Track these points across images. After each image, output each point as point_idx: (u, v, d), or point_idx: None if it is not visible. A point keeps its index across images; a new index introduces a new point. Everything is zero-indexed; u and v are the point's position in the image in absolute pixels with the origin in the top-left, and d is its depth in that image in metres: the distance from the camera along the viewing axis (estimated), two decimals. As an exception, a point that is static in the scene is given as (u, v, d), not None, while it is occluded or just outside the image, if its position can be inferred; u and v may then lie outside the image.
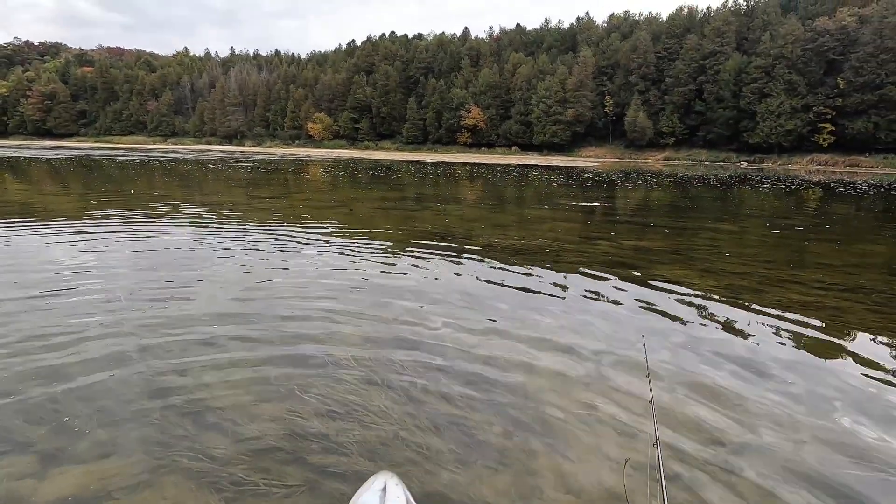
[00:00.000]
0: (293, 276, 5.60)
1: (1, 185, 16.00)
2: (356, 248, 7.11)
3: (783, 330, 4.26)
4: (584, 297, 5.13)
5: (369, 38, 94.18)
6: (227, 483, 2.23)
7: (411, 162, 43.68)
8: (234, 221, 9.40)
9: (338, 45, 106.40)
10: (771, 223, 11.09)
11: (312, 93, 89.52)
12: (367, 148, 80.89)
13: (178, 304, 4.52)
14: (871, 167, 46.67)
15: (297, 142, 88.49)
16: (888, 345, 4.02)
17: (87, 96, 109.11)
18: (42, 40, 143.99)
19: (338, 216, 10.71)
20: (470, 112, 73.18)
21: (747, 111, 55.96)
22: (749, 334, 4.16)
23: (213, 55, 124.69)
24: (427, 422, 2.75)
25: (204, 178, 21.35)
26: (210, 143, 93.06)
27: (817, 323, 4.45)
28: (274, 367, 3.34)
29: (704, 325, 4.37)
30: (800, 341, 4.04)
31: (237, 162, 35.87)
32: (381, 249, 7.10)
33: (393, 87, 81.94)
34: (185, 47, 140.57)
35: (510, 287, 5.41)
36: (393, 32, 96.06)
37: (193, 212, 10.52)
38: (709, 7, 67.39)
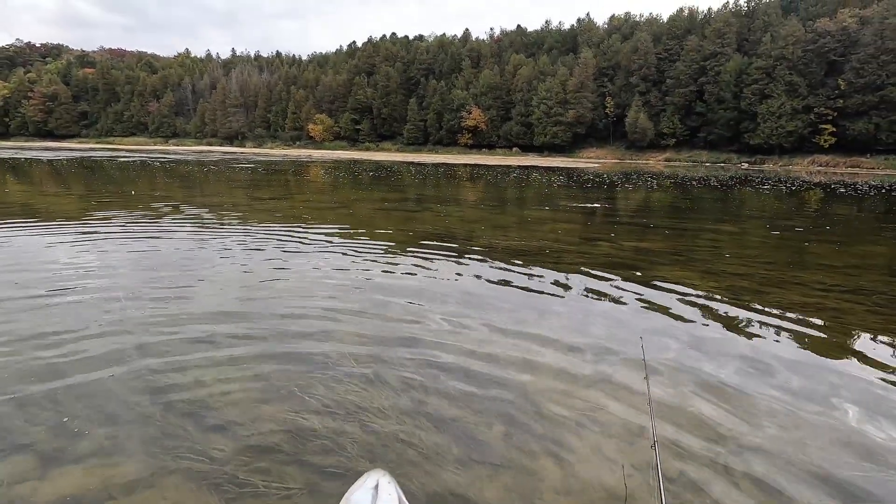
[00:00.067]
0: (294, 276, 5.61)
1: (2, 186, 16.02)
2: (357, 249, 7.11)
3: (784, 331, 4.26)
4: (585, 297, 5.13)
5: (370, 40, 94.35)
6: (228, 484, 2.23)
7: (412, 163, 43.71)
8: (235, 222, 9.40)
9: (338, 47, 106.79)
10: (772, 224, 11.08)
11: (313, 94, 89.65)
12: (367, 149, 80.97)
13: (179, 303, 4.52)
14: (873, 168, 46.67)
15: (297, 143, 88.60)
16: (890, 345, 4.01)
17: (89, 97, 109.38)
18: (43, 42, 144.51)
19: (339, 217, 10.72)
20: (471, 113, 73.26)
21: (748, 112, 55.99)
22: (750, 335, 4.16)
23: (214, 56, 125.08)
24: (427, 422, 2.75)
25: (205, 179, 21.38)
26: (211, 145, 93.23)
27: (818, 324, 4.44)
28: (274, 367, 3.34)
29: (705, 325, 4.37)
30: (801, 342, 4.03)
31: (238, 163, 35.92)
32: (381, 250, 7.11)
33: (394, 89, 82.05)
34: (187, 48, 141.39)
35: (511, 287, 5.41)
36: (394, 34, 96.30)
37: (194, 213, 10.53)
38: (709, 8, 67.63)
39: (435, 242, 7.74)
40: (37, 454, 2.41)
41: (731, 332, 4.23)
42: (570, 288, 5.45)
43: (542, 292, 5.27)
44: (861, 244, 9.00)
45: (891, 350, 3.93)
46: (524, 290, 5.35)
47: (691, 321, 4.46)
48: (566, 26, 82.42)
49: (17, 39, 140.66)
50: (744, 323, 4.45)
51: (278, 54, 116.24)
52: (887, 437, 2.73)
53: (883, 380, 3.40)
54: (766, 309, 4.80)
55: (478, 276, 5.85)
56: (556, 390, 3.15)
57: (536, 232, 9.18)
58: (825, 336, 4.18)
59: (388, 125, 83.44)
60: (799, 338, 4.12)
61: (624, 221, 11.37)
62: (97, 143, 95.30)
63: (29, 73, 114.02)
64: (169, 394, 2.97)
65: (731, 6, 64.93)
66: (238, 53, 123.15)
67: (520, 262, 6.48)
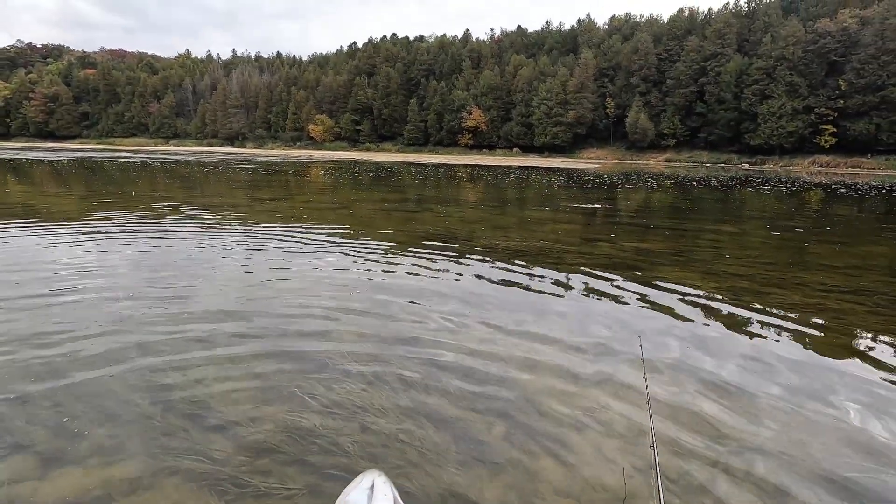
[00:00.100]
0: (294, 276, 5.61)
1: (3, 186, 16.04)
2: (357, 250, 7.11)
3: (785, 331, 4.25)
4: (586, 297, 5.13)
5: (370, 40, 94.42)
6: (229, 484, 2.23)
7: (412, 164, 43.72)
8: (236, 223, 9.41)
9: (339, 47, 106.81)
10: (772, 225, 11.07)
11: (314, 94, 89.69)
12: (368, 149, 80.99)
13: (180, 303, 4.53)
14: (873, 169, 46.64)
15: (298, 143, 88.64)
16: (892, 345, 4.00)
17: (90, 98, 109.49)
18: (44, 42, 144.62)
19: (339, 218, 10.72)
20: (471, 114, 73.25)
21: (748, 113, 55.95)
22: (751, 335, 4.16)
23: (214, 57, 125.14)
24: (428, 422, 2.75)
25: (205, 179, 21.39)
26: (211, 145, 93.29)
27: (819, 324, 4.44)
28: (275, 366, 3.34)
29: (706, 325, 4.36)
30: (802, 342, 4.03)
31: (238, 164, 35.94)
32: (382, 251, 7.11)
33: (394, 89, 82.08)
34: (187, 49, 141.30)
35: (511, 288, 5.41)
36: (394, 34, 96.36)
37: (195, 213, 10.53)
38: (710, 9, 67.52)
39: (435, 243, 7.74)
40: (37, 454, 2.41)
41: (732, 332, 4.23)
42: (570, 288, 5.45)
43: (542, 292, 5.27)
44: (862, 245, 8.99)
45: (892, 350, 3.92)
46: (524, 290, 5.35)
47: (692, 321, 4.46)
48: (566, 27, 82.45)
49: (17, 40, 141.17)
50: (744, 323, 4.44)
51: (279, 55, 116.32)
52: (890, 437, 2.72)
53: (885, 380, 3.39)
54: (767, 309, 4.80)
55: (478, 277, 5.84)
56: (557, 390, 3.15)
57: (537, 232, 9.17)
58: (826, 336, 4.18)
59: (389, 126, 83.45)
60: (800, 338, 4.12)
61: (624, 222, 11.37)
62: (98, 143, 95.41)
63: (30, 74, 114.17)
64: (169, 394, 2.97)
65: (731, 7, 64.91)
66: (238, 54, 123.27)
67: (520, 263, 6.48)
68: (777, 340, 4.07)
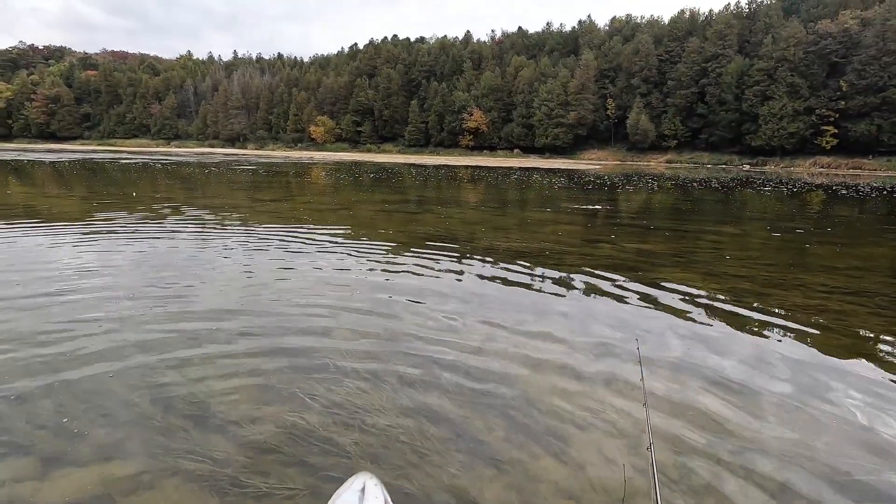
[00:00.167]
0: (295, 277, 5.61)
1: (5, 187, 16.07)
2: (358, 250, 7.12)
3: (786, 332, 4.25)
4: (587, 299, 5.13)
5: (371, 42, 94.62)
6: (229, 485, 2.23)
7: (413, 165, 43.75)
8: (237, 224, 9.42)
9: (340, 49, 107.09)
10: (773, 226, 11.06)
11: (315, 96, 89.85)
12: (369, 151, 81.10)
13: (180, 303, 4.53)
14: (874, 170, 46.61)
15: (299, 145, 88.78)
16: (893, 345, 3.99)
17: (91, 100, 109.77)
18: (46, 44, 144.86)
19: (340, 219, 10.72)
20: (472, 115, 73.36)
21: (749, 114, 55.97)
22: (752, 336, 4.15)
23: (216, 59, 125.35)
24: (428, 422, 2.75)
25: (206, 180, 21.42)
26: (213, 146, 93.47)
27: (821, 325, 4.43)
28: (276, 368, 3.34)
29: (707, 326, 4.36)
30: (804, 343, 4.02)
31: (239, 165, 35.99)
32: (383, 251, 7.11)
33: (395, 90, 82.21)
34: (189, 51, 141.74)
35: (512, 288, 5.41)
36: (395, 36, 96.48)
37: (196, 214, 10.55)
38: (710, 10, 67.58)
39: (436, 244, 7.74)
40: (37, 455, 2.41)
41: (733, 333, 4.22)
42: (571, 288, 5.45)
43: (543, 293, 5.26)
44: (863, 246, 8.98)
45: (894, 350, 3.91)
46: (525, 290, 5.35)
47: (693, 322, 4.45)
48: (567, 28, 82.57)
49: (20, 42, 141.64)
50: (745, 324, 4.44)
51: (280, 56, 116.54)
52: (894, 435, 2.72)
53: (890, 380, 3.38)
54: (768, 310, 4.79)
55: (479, 277, 5.84)
56: (558, 390, 3.15)
57: (537, 233, 9.17)
58: (828, 337, 4.17)
59: (390, 127, 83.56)
60: (802, 338, 4.11)
61: (625, 223, 11.36)
62: (99, 144, 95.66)
63: (32, 76, 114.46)
64: (170, 394, 2.97)
65: (732, 8, 64.97)
66: (240, 55, 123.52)
67: (521, 263, 6.48)
68: (779, 341, 4.06)
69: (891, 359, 3.77)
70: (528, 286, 5.52)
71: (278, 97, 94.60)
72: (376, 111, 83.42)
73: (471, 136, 74.49)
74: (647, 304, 4.93)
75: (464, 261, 6.66)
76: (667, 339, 4.04)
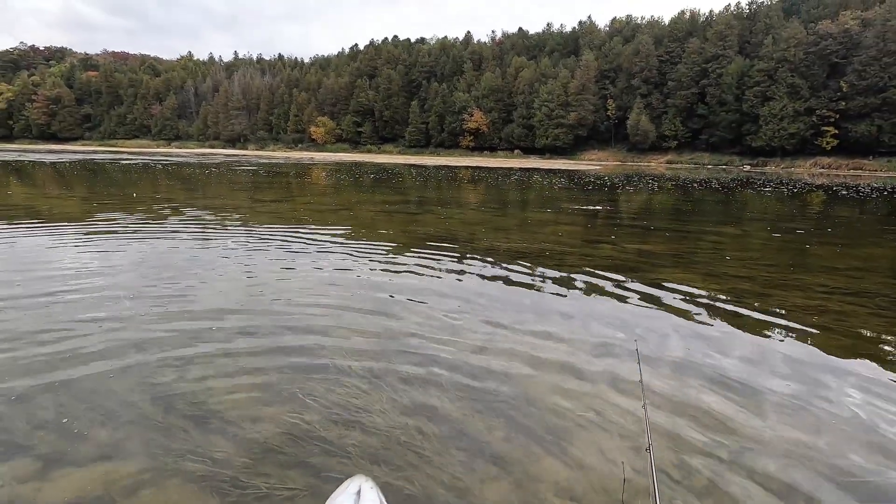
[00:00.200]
0: (296, 278, 5.61)
1: (6, 188, 16.09)
2: (359, 250, 7.12)
3: (787, 332, 4.24)
4: (587, 299, 5.12)
5: (372, 42, 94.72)
6: (229, 486, 2.23)
7: (413, 165, 43.76)
8: (237, 224, 9.42)
9: (341, 49, 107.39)
10: (774, 226, 11.06)
11: (315, 96, 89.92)
12: (369, 151, 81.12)
13: (181, 304, 4.53)
14: (875, 170, 46.61)
15: (300, 145, 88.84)
16: (894, 346, 3.99)
17: (92, 100, 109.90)
18: (47, 45, 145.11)
19: (340, 219, 10.73)
20: (472, 116, 73.40)
21: (750, 114, 55.99)
22: (752, 336, 4.15)
23: (216, 59, 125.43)
24: (429, 423, 2.75)
25: (207, 181, 21.43)
26: (213, 147, 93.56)
27: (821, 325, 4.43)
28: (276, 369, 3.34)
29: (708, 326, 4.36)
30: (805, 343, 4.02)
31: (240, 165, 36.01)
32: (383, 251, 7.11)
33: (395, 91, 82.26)
34: (189, 52, 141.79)
35: (512, 288, 5.40)
36: (395, 36, 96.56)
37: (196, 214, 10.55)
38: (711, 10, 67.55)
39: (437, 244, 7.75)
40: (37, 455, 2.41)
41: (733, 333, 4.22)
42: (571, 289, 5.45)
43: (543, 293, 5.26)
44: (863, 246, 8.98)
45: (895, 350, 3.91)
46: (526, 290, 5.34)
47: (693, 322, 4.45)
48: (567, 29, 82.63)
49: (20, 42, 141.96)
50: (746, 324, 4.43)
51: (280, 57, 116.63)
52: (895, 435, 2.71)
53: (888, 379, 3.38)
54: (769, 311, 4.79)
55: (480, 277, 5.84)
56: (558, 390, 3.15)
57: (538, 234, 9.17)
58: (829, 337, 4.17)
59: (390, 127, 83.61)
60: (802, 338, 4.11)
61: (626, 224, 11.36)
62: (100, 145, 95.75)
63: (33, 76, 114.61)
64: (170, 395, 2.97)
65: (732, 9, 65.00)
66: (240, 56, 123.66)
67: (521, 264, 6.48)
68: (780, 341, 4.06)
69: (891, 359, 3.77)
70: (528, 286, 5.52)
71: (279, 98, 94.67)
72: (377, 112, 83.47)
73: (471, 137, 74.53)
74: (647, 305, 4.93)
75: (464, 261, 6.65)
76: (667, 339, 4.04)
